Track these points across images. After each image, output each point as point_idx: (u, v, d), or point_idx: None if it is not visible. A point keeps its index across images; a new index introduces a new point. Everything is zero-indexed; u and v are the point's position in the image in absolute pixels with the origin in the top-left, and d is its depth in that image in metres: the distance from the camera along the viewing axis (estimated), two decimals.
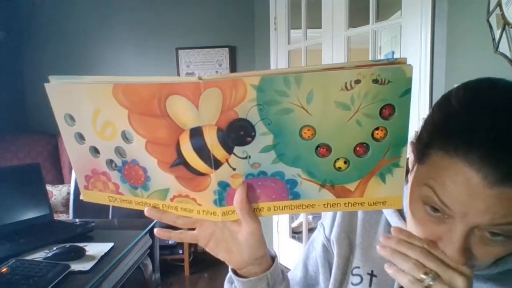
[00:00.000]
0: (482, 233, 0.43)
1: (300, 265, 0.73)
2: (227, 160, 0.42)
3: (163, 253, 2.64)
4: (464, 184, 0.41)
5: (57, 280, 1.02)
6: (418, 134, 0.49)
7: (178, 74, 3.05)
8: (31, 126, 3.17)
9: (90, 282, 1.06)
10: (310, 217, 3.26)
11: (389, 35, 3.56)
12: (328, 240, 0.68)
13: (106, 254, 1.24)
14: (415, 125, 0.44)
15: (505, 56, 1.26)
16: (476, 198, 0.40)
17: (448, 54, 1.56)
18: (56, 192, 2.78)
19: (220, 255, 0.52)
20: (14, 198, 1.42)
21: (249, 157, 0.42)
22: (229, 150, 0.41)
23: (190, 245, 2.88)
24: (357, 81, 0.36)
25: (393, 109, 0.38)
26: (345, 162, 0.41)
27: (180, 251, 2.81)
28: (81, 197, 0.53)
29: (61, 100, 0.44)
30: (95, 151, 0.47)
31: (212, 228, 0.51)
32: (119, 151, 0.46)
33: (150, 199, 0.48)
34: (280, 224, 2.83)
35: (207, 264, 2.89)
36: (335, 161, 0.41)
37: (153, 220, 1.55)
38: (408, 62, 0.36)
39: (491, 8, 1.32)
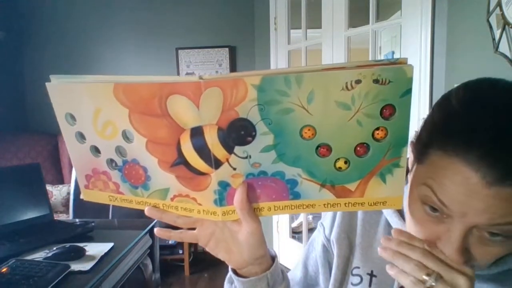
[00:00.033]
0: (481, 233, 0.43)
1: (300, 265, 0.73)
2: (227, 160, 0.42)
3: (163, 253, 2.64)
4: (462, 184, 0.41)
5: (57, 280, 1.02)
6: (418, 134, 0.49)
7: (178, 74, 3.05)
8: (31, 126, 3.17)
9: (90, 282, 1.06)
10: (310, 217, 3.26)
11: (389, 35, 3.56)
12: (328, 240, 0.68)
13: (106, 254, 1.24)
14: (415, 125, 0.44)
15: (505, 56, 1.27)
16: (474, 197, 0.40)
17: (448, 54, 1.56)
18: (56, 192, 2.78)
19: (220, 255, 0.52)
20: (14, 198, 1.42)
21: (250, 156, 0.42)
22: (230, 150, 0.41)
23: (190, 245, 2.88)
24: (358, 81, 0.36)
25: (393, 109, 0.38)
26: (345, 162, 0.41)
27: (180, 251, 2.81)
28: (82, 197, 0.53)
29: (62, 100, 0.44)
30: (95, 150, 0.47)
31: (212, 228, 0.51)
32: (119, 151, 0.46)
33: (151, 199, 0.48)
34: (280, 224, 2.83)
35: (207, 264, 2.89)
36: (335, 161, 0.41)
37: (153, 220, 1.56)
38: (408, 62, 0.36)
39: (491, 8, 1.32)
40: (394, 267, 0.45)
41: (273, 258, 0.56)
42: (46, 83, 0.43)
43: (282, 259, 2.72)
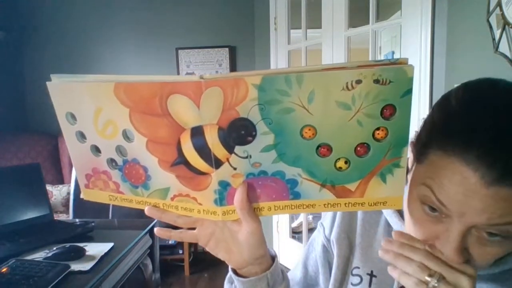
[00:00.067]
0: (479, 233, 0.43)
1: (300, 266, 0.73)
2: (228, 160, 0.42)
3: (163, 253, 2.64)
4: (461, 184, 0.41)
5: (57, 280, 1.02)
6: (418, 134, 0.49)
7: (178, 74, 3.05)
8: (31, 126, 3.17)
9: (90, 282, 1.06)
10: (310, 217, 3.26)
11: (389, 35, 3.56)
12: (328, 240, 0.68)
13: (106, 254, 1.24)
14: (415, 125, 0.44)
15: (505, 56, 1.27)
16: (473, 197, 0.40)
17: (448, 54, 1.56)
18: (56, 192, 2.78)
19: (220, 254, 0.52)
20: (14, 198, 1.42)
21: (250, 156, 0.42)
22: (230, 150, 0.41)
23: (190, 245, 2.88)
24: (358, 81, 0.36)
25: (394, 109, 0.38)
26: (345, 162, 0.41)
27: (180, 251, 2.81)
28: (82, 196, 0.53)
29: (62, 99, 0.44)
30: (96, 150, 0.47)
31: (212, 228, 0.51)
32: (120, 150, 0.46)
33: (151, 198, 0.48)
34: (280, 224, 2.83)
35: (207, 264, 2.89)
36: (335, 161, 0.41)
37: (153, 220, 1.56)
38: (408, 62, 0.36)
39: (491, 8, 1.32)
40: (396, 268, 0.46)
41: (273, 258, 0.56)
42: (47, 82, 0.43)
43: (282, 259, 2.72)
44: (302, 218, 2.95)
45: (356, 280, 0.62)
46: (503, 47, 1.28)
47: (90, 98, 0.43)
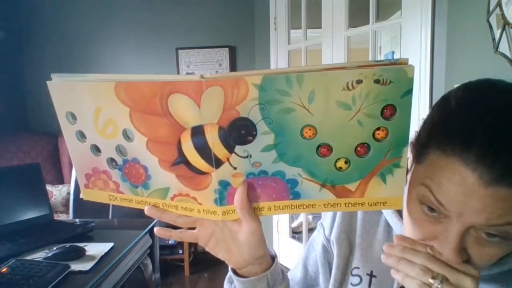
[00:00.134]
0: (478, 234, 0.43)
1: (300, 266, 0.73)
2: (228, 159, 0.42)
3: (163, 253, 2.64)
4: (460, 184, 0.41)
5: (57, 280, 1.02)
6: (417, 134, 0.49)
7: (178, 74, 3.05)
8: (31, 126, 3.17)
9: (90, 282, 1.06)
10: (310, 217, 3.26)
11: (389, 35, 3.56)
12: (328, 240, 0.68)
13: (106, 254, 1.24)
14: (415, 125, 0.44)
15: (505, 56, 1.27)
16: (471, 197, 0.40)
17: (448, 54, 1.56)
18: (56, 192, 2.78)
19: (220, 254, 0.52)
20: (14, 198, 1.42)
21: (250, 156, 0.42)
22: (230, 149, 0.41)
23: (190, 245, 2.88)
24: (359, 81, 0.36)
25: (394, 109, 0.38)
26: (346, 162, 0.41)
27: (180, 251, 2.81)
28: (81, 196, 0.53)
29: (62, 98, 0.44)
30: (96, 149, 0.47)
31: (212, 228, 0.51)
32: (120, 150, 0.46)
33: (151, 198, 0.48)
34: (280, 224, 2.83)
35: (207, 264, 2.89)
36: (336, 161, 0.41)
37: (153, 220, 1.56)
38: (409, 63, 0.36)
39: (491, 8, 1.32)
40: (399, 272, 0.46)
41: (273, 258, 0.56)
42: (47, 82, 0.43)
43: (282, 259, 2.72)
44: (302, 218, 2.95)
45: (356, 280, 0.62)
46: (503, 47, 1.28)
47: (91, 97, 0.43)
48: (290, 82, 0.37)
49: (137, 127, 0.42)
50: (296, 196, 0.45)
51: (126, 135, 0.44)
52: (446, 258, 0.44)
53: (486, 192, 0.40)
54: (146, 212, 0.49)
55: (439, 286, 0.42)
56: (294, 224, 3.16)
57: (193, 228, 0.52)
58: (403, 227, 0.54)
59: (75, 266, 1.12)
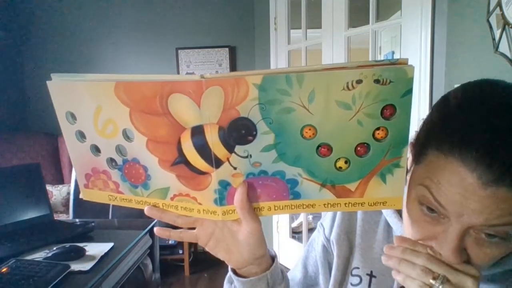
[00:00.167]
0: (477, 234, 0.43)
1: (300, 266, 0.73)
2: (228, 159, 0.42)
3: (163, 253, 2.64)
4: (458, 184, 0.41)
5: (57, 280, 1.02)
6: (417, 134, 0.49)
7: (178, 74, 3.05)
8: (31, 126, 3.17)
9: (90, 282, 1.06)
10: (310, 217, 3.26)
11: (389, 35, 3.56)
12: (328, 240, 0.68)
13: (106, 254, 1.24)
14: (415, 125, 0.44)
15: (505, 56, 1.27)
16: (470, 198, 0.40)
17: (448, 54, 1.56)
18: (56, 192, 2.78)
19: (220, 254, 0.52)
20: (14, 198, 1.42)
21: (250, 156, 0.42)
22: (230, 149, 0.41)
23: (190, 245, 2.88)
24: (359, 81, 0.36)
25: (394, 109, 0.38)
26: (346, 162, 0.41)
27: (180, 251, 2.81)
28: (81, 196, 0.53)
29: (62, 98, 0.44)
30: (95, 149, 0.47)
31: (212, 228, 0.51)
32: (120, 150, 0.46)
33: (150, 198, 0.48)
34: (280, 224, 2.83)
35: (207, 264, 2.89)
36: (336, 161, 0.41)
37: (153, 220, 1.56)
38: (409, 63, 0.36)
39: (491, 8, 1.32)
40: (400, 273, 0.46)
41: (273, 258, 0.56)
42: (47, 82, 0.43)
43: (282, 259, 2.72)
44: (302, 218, 2.95)
45: (355, 280, 0.62)
46: (503, 47, 1.28)
47: (90, 97, 0.43)
48: (290, 82, 0.37)
49: (137, 127, 0.42)
50: (296, 196, 0.45)
51: (126, 135, 0.44)
52: (446, 258, 0.44)
53: (485, 192, 0.40)
54: (146, 212, 0.49)
55: (441, 287, 0.42)
56: (294, 224, 3.16)
57: (193, 228, 0.52)
58: (403, 227, 0.54)
59: (75, 266, 1.12)
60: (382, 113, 0.38)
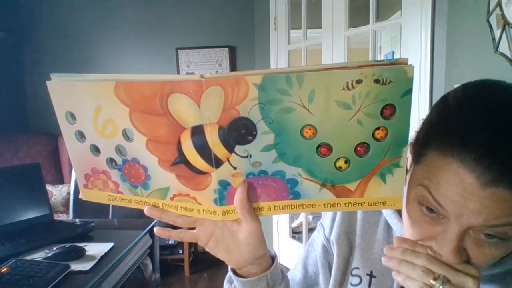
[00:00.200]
0: (477, 235, 0.43)
1: (300, 266, 0.73)
2: (228, 159, 0.42)
3: (163, 253, 2.64)
4: (458, 184, 0.41)
5: (57, 280, 1.02)
6: (416, 134, 0.49)
7: (178, 74, 3.05)
8: (31, 126, 3.17)
9: (90, 282, 1.06)
10: (310, 217, 3.26)
11: (389, 35, 3.56)
12: (328, 240, 0.68)
13: (106, 254, 1.24)
14: (415, 125, 0.44)
15: (505, 56, 1.27)
16: (469, 198, 0.40)
17: (448, 54, 1.56)
18: (56, 192, 2.78)
19: (220, 254, 0.52)
20: (14, 198, 1.42)
21: (250, 156, 0.42)
22: (230, 149, 0.41)
23: (190, 245, 2.88)
24: (359, 81, 0.36)
25: (394, 109, 0.38)
26: (345, 162, 0.41)
27: (180, 251, 2.81)
28: (80, 196, 0.53)
29: (62, 98, 0.44)
30: (95, 149, 0.47)
31: (212, 228, 0.51)
32: (119, 150, 0.46)
33: (150, 198, 0.48)
34: (280, 224, 2.83)
35: (207, 264, 2.89)
36: (335, 161, 0.41)
37: (153, 220, 1.56)
38: (408, 63, 0.36)
39: (491, 8, 1.32)
40: (400, 273, 0.46)
41: (273, 258, 0.56)
42: (47, 82, 0.43)
43: (282, 259, 2.72)
44: (302, 218, 2.95)
45: (355, 280, 0.62)
46: (503, 47, 1.27)
47: (90, 97, 0.43)
48: (290, 81, 0.37)
49: (137, 127, 0.42)
50: (296, 196, 0.45)
51: (126, 135, 0.44)
52: (445, 259, 0.44)
53: (485, 193, 0.39)
54: (145, 212, 0.49)
55: (441, 287, 0.42)
56: (294, 224, 3.16)
57: (193, 228, 0.52)
58: (403, 228, 0.54)
59: (75, 266, 1.12)
60: (382, 113, 0.38)
